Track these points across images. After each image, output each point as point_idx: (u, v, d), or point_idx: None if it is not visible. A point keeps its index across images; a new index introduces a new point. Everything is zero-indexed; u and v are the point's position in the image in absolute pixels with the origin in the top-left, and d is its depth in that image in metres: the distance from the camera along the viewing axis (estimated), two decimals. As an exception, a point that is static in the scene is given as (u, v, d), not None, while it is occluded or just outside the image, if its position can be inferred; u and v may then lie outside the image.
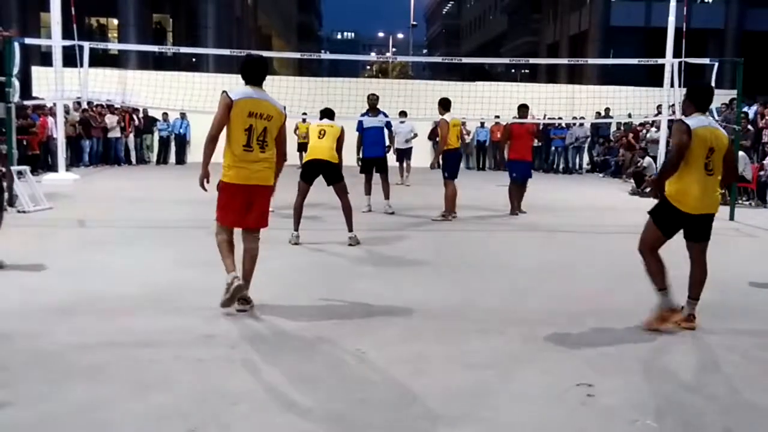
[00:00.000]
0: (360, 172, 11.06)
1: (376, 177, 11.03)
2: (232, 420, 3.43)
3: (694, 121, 4.89)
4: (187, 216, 10.06)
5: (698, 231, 5.04)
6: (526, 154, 11.33)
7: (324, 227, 9.08)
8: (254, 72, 5.22)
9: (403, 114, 15.75)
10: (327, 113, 8.53)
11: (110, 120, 19.45)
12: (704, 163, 4.84)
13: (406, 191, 14.07)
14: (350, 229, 8.11)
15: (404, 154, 16.49)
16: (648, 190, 5.05)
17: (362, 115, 11.20)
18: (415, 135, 16.83)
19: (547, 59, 38.07)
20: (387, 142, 11.35)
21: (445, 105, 10.43)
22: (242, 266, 5.25)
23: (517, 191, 11.18)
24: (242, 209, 5.22)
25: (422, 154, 21.15)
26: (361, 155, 11.03)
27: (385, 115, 11.29)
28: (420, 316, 5.30)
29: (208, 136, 5.13)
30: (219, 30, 34.31)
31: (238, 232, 5.40)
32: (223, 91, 5.16)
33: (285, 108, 5.35)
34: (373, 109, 11.07)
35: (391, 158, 12.59)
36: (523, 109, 11.54)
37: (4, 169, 8.50)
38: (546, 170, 20.68)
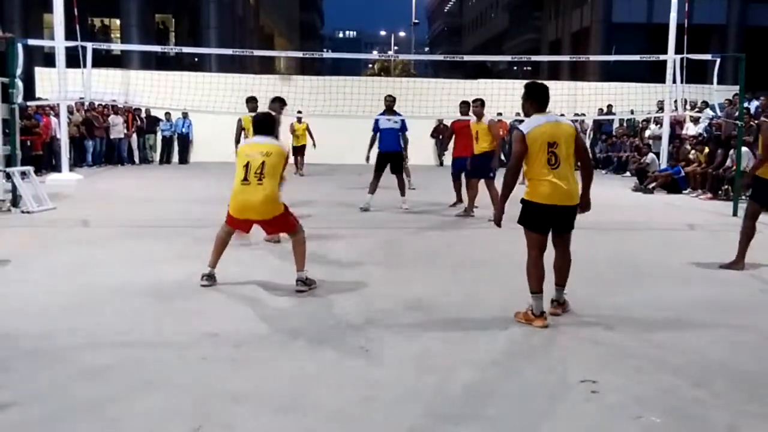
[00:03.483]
0: (375, 169, 10.95)
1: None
2: (235, 419, 3.44)
3: (528, 124, 5.12)
4: (191, 215, 10.09)
5: (561, 223, 5.19)
6: (464, 151, 10.86)
7: (324, 225, 9.08)
8: (259, 126, 6.11)
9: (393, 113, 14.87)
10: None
11: (114, 120, 19.48)
12: (546, 159, 5.02)
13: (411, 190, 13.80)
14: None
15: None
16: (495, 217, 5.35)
17: (379, 115, 11.20)
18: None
19: (549, 56, 37.93)
20: (402, 144, 11.30)
21: (483, 104, 10.29)
22: (293, 254, 5.95)
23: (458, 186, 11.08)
24: (247, 226, 6.05)
25: (426, 153, 21.24)
26: (370, 153, 11.06)
27: (402, 119, 11.28)
28: (424, 313, 5.31)
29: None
30: (221, 30, 34.31)
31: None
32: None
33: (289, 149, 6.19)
34: (389, 110, 11.09)
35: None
36: (463, 106, 11.10)
37: None
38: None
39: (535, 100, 5.24)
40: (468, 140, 10.56)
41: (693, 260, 7.45)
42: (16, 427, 3.33)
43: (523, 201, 5.15)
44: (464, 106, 11.13)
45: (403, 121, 11.29)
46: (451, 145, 11.40)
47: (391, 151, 10.94)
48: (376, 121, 11.15)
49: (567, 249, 5.30)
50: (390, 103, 11.12)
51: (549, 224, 5.17)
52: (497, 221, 5.26)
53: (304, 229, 6.03)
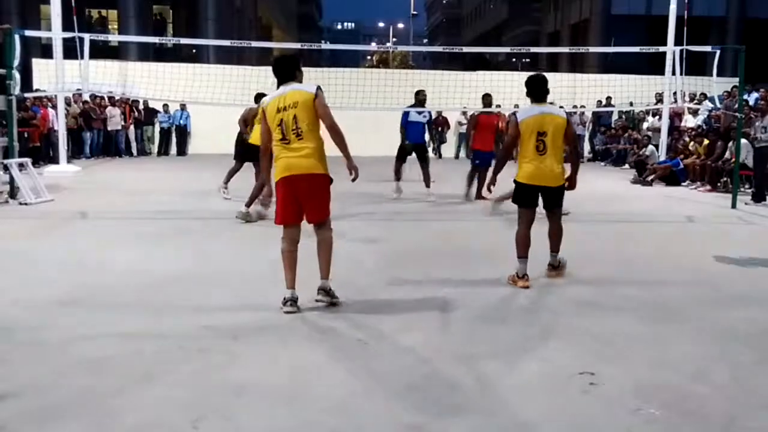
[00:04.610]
0: (398, 158, 11.48)
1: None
2: (235, 410, 3.44)
3: (523, 112, 5.97)
4: (189, 207, 10.07)
5: (547, 200, 6.03)
6: (488, 144, 11.31)
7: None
8: (278, 72, 5.23)
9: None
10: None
11: (112, 112, 19.43)
12: (534, 145, 5.81)
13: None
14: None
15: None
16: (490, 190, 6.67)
17: (410, 107, 11.57)
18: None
19: (548, 48, 37.89)
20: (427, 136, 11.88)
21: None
22: (318, 258, 5.18)
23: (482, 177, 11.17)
24: (295, 204, 5.08)
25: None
26: (405, 142, 11.48)
27: (429, 111, 11.84)
28: (421, 305, 5.30)
29: (260, 150, 5.40)
30: (219, 21, 34.19)
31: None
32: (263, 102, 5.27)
33: (319, 87, 5.17)
34: (421, 104, 11.50)
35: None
36: (486, 98, 11.53)
37: None
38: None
39: (530, 93, 6.04)
40: (492, 134, 11.10)
41: (691, 252, 7.45)
42: (15, 418, 3.32)
43: (515, 181, 6.00)
44: (487, 98, 11.39)
45: (429, 113, 11.82)
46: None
47: (416, 142, 11.39)
48: (406, 113, 11.51)
49: (558, 220, 6.09)
50: (423, 98, 11.50)
51: (535, 200, 5.97)
52: (489, 187, 6.32)
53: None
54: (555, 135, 5.80)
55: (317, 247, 5.18)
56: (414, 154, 11.40)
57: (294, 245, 5.12)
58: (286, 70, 5.22)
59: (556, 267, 6.09)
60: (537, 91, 5.99)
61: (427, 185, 11.33)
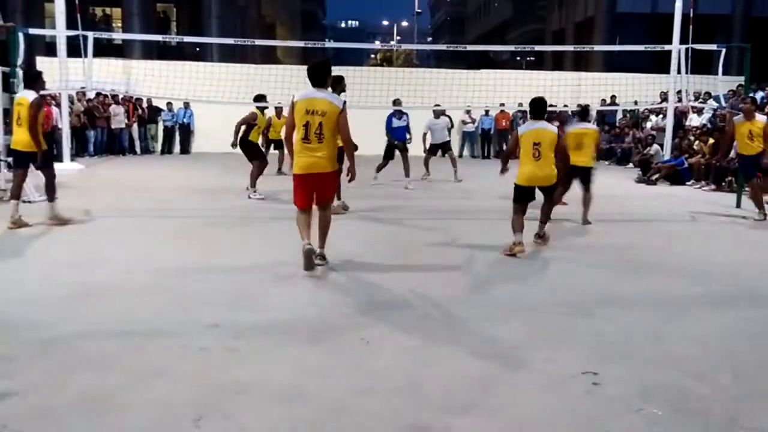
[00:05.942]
0: (385, 156, 12.98)
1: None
2: (236, 409, 3.43)
3: (523, 127, 7.42)
4: (193, 205, 10.08)
5: (543, 192, 7.39)
6: None
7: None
8: (313, 75, 5.95)
9: (438, 109, 14.91)
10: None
11: (116, 110, 19.45)
12: (531, 153, 7.12)
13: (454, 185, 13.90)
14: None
15: (443, 148, 14.71)
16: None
17: (392, 116, 12.97)
18: (452, 126, 17.51)
19: (553, 46, 37.76)
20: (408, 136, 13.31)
21: (755, 102, 10.24)
22: (318, 230, 6.15)
23: None
24: (310, 194, 6.04)
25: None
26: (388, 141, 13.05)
27: (407, 116, 13.22)
28: (424, 304, 5.29)
29: (284, 136, 6.32)
30: (223, 19, 34.18)
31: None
32: (293, 95, 5.99)
33: (345, 102, 5.94)
34: (399, 111, 13.04)
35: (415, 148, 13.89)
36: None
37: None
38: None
39: (530, 111, 7.39)
40: None
41: (696, 251, 7.43)
42: (17, 416, 3.31)
43: (515, 184, 7.28)
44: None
45: (407, 116, 13.12)
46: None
47: (400, 140, 12.98)
48: (390, 121, 12.88)
49: (552, 199, 7.49)
50: (400, 105, 13.13)
51: (529, 197, 7.24)
52: (501, 171, 7.65)
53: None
54: (548, 146, 7.11)
55: (318, 222, 6.15)
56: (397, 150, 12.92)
57: (307, 216, 6.05)
58: (320, 75, 5.94)
59: (541, 236, 7.46)
60: (536, 110, 7.29)
61: (407, 175, 12.77)
